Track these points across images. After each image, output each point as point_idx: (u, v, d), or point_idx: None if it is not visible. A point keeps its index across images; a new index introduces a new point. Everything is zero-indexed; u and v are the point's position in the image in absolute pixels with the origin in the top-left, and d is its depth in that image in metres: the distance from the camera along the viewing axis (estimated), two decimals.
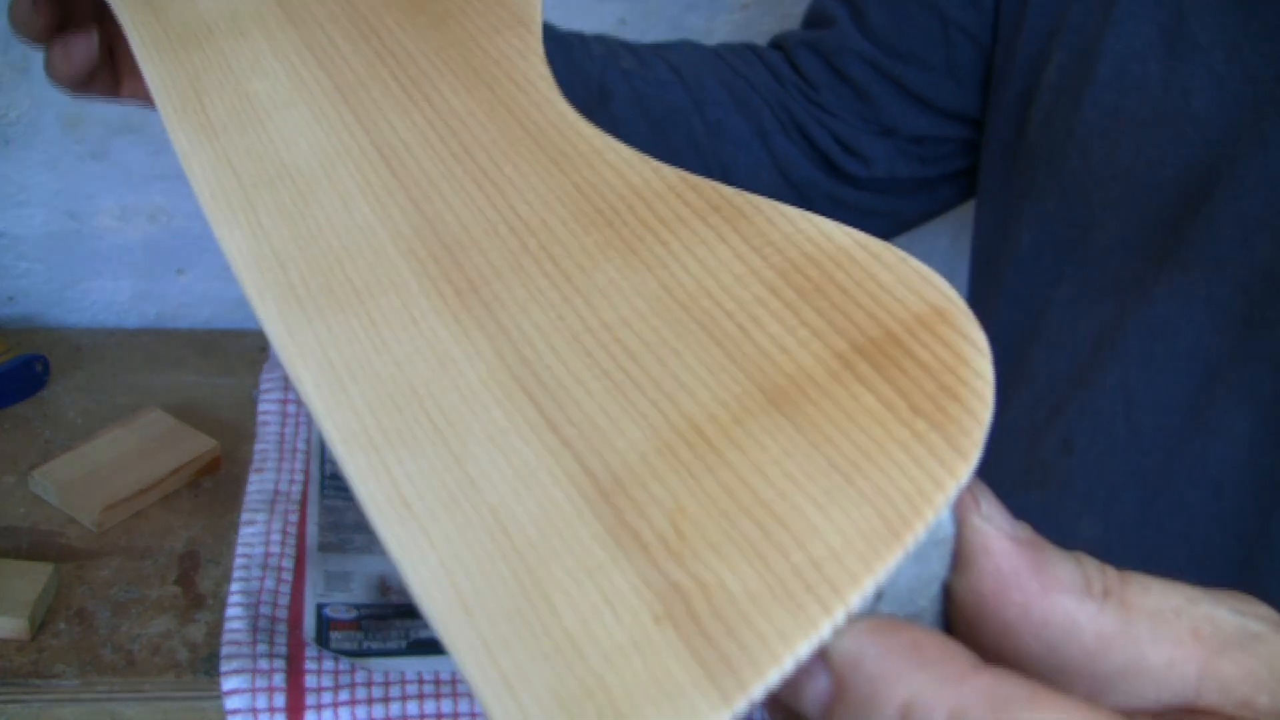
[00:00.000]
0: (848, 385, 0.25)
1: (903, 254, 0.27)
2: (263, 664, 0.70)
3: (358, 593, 0.77)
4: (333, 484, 0.85)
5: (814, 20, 0.69)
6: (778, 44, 0.70)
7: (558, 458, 0.26)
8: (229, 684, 0.69)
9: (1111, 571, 0.24)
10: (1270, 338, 0.47)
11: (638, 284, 0.29)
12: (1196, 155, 0.50)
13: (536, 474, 0.25)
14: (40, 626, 0.73)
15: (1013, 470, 0.55)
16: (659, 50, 0.69)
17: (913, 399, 0.25)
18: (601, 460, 0.25)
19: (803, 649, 0.21)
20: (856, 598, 0.22)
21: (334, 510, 0.83)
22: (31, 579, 0.73)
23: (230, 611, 0.74)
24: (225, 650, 0.71)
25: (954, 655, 0.21)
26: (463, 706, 0.71)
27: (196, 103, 0.40)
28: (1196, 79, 0.50)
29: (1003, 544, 0.23)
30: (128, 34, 0.43)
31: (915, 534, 0.22)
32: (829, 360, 0.26)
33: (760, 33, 0.96)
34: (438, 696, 0.71)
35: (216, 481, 0.86)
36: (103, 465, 0.83)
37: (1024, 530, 0.24)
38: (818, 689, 0.22)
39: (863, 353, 0.26)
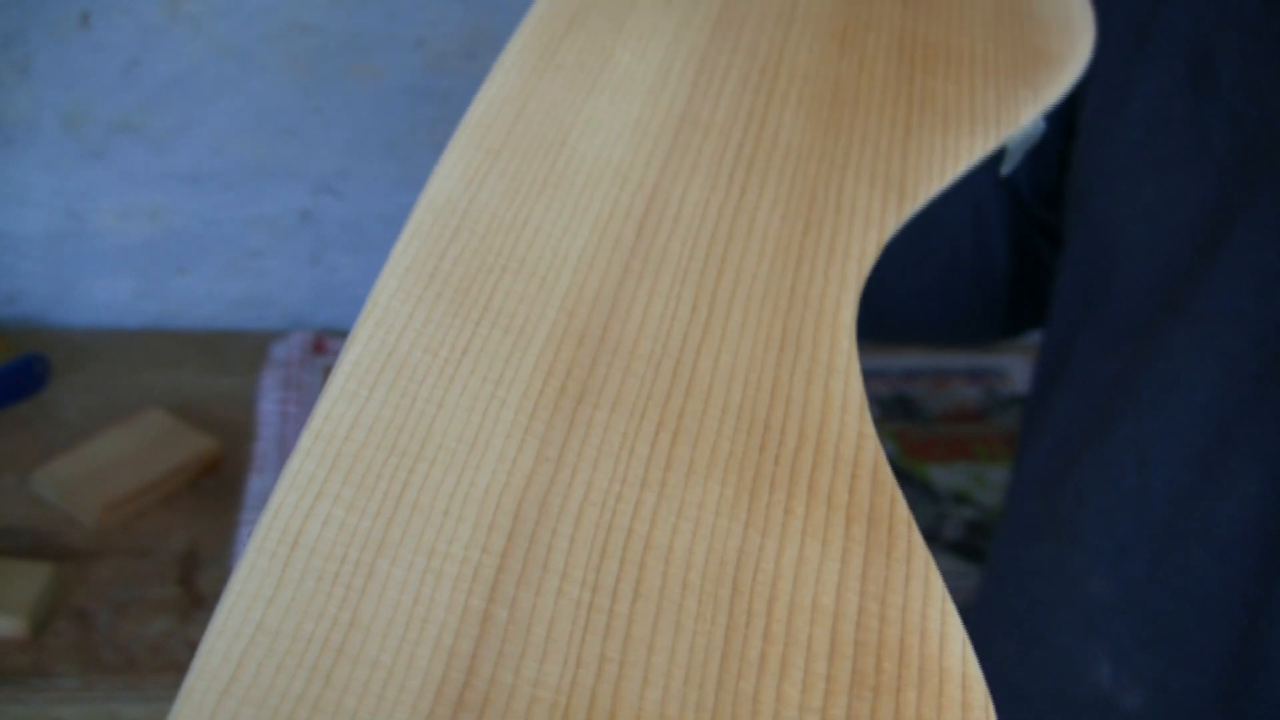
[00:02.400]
0: None
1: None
2: None
3: None
4: None
5: None
6: None
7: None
8: None
9: None
10: None
11: (714, 536, 0.26)
12: (1214, 197, 0.49)
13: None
14: (40, 626, 0.73)
15: (1028, 521, 0.54)
16: None
17: None
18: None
19: None
20: None
21: None
22: (31, 579, 0.73)
23: None
24: None
25: None
26: None
27: (563, 27, 0.37)
28: (1217, 118, 0.49)
29: None
30: None
31: None
32: None
33: None
34: None
35: (216, 481, 0.86)
36: (103, 465, 0.83)
37: None
38: None
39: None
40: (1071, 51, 0.42)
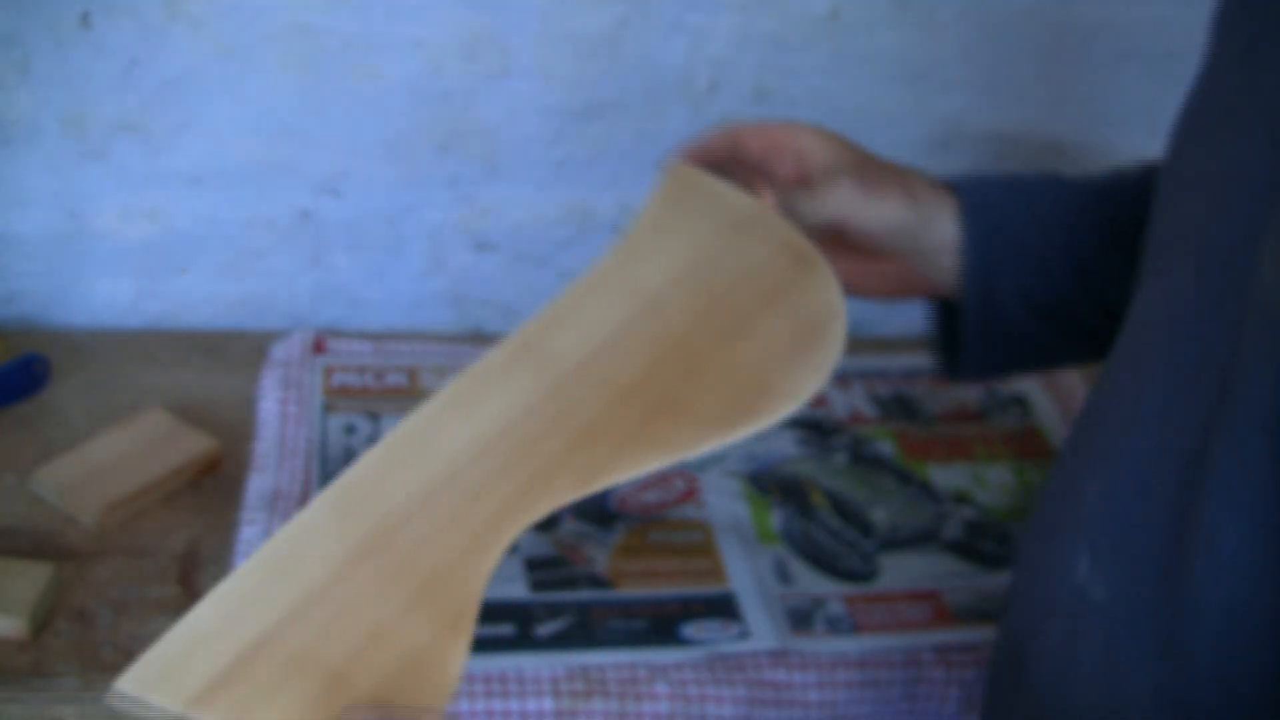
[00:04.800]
0: None
1: None
2: None
3: None
4: None
5: None
6: None
7: None
8: None
9: None
10: None
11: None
12: (1241, 217, 0.49)
13: None
14: (40, 626, 0.73)
15: (1068, 446, 0.59)
16: None
17: None
18: None
19: None
20: None
21: None
22: (31, 579, 0.73)
23: None
24: None
25: None
26: (463, 706, 0.71)
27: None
28: (1251, 148, 0.50)
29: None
30: None
31: None
32: None
33: (760, 33, 0.96)
34: None
35: (216, 481, 0.86)
36: (103, 465, 0.83)
37: None
38: None
39: None
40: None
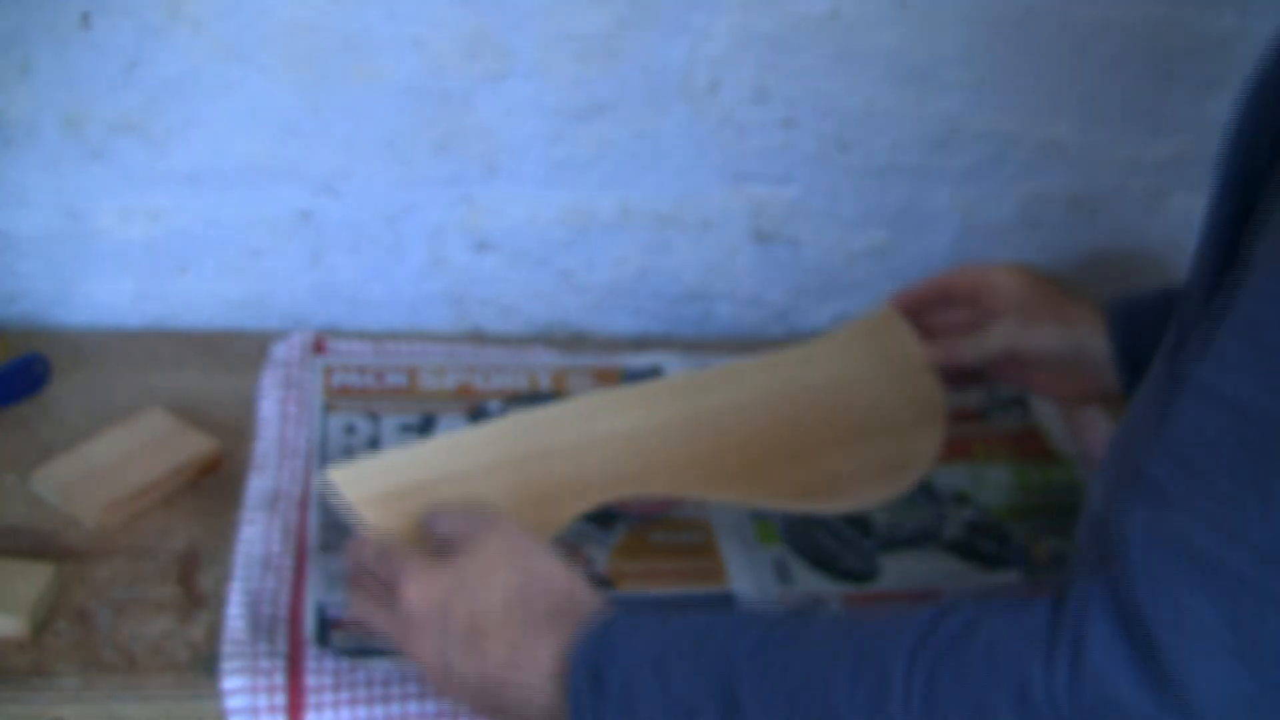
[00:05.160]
0: None
1: None
2: (263, 664, 0.70)
3: None
4: None
5: None
6: None
7: None
8: (229, 684, 0.69)
9: None
10: None
11: None
12: None
13: None
14: (40, 626, 0.73)
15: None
16: None
17: None
18: None
19: None
20: None
21: (335, 510, 0.83)
22: (31, 579, 0.73)
23: (230, 611, 0.74)
24: (225, 650, 0.71)
25: None
26: (463, 706, 0.71)
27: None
28: None
29: None
30: None
31: None
32: None
33: (760, 34, 0.96)
34: (438, 696, 0.71)
35: (216, 481, 0.86)
36: (103, 465, 0.83)
37: None
38: None
39: None
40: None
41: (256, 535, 0.79)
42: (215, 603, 0.76)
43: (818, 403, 0.84)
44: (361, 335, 1.03)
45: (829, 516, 0.87)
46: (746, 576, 0.82)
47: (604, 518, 0.86)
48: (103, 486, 0.81)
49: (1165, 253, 1.13)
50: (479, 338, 1.08)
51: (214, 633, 0.73)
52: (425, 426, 0.91)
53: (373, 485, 0.73)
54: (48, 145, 0.93)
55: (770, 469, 0.80)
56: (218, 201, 0.98)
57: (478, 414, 0.93)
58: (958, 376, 0.88)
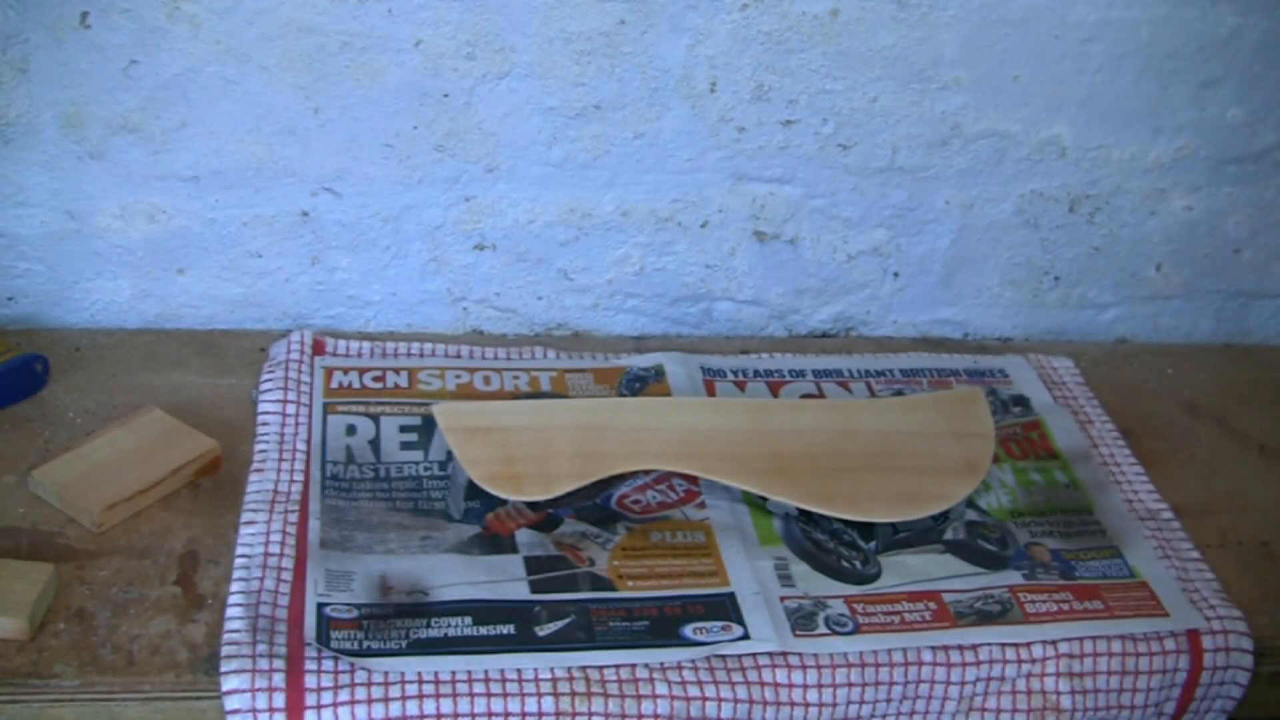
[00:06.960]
0: None
1: None
2: (263, 664, 0.70)
3: (358, 592, 0.77)
4: (333, 484, 0.85)
5: None
6: None
7: None
8: (229, 684, 0.69)
9: None
10: None
11: None
12: None
13: None
14: (40, 626, 0.73)
15: None
16: None
17: None
18: None
19: None
20: None
21: (335, 509, 0.83)
22: (31, 579, 0.73)
23: (230, 611, 0.74)
24: (225, 650, 0.71)
25: None
26: (462, 706, 0.71)
27: None
28: None
29: None
30: None
31: None
32: None
33: (760, 33, 0.96)
34: (438, 696, 0.71)
35: (216, 481, 0.86)
36: (103, 465, 0.83)
37: None
38: None
39: None
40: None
41: (256, 535, 0.79)
42: (215, 603, 0.76)
43: (869, 439, 0.91)
44: (361, 335, 1.03)
45: (830, 518, 0.87)
46: (747, 577, 0.82)
47: (604, 518, 0.86)
48: (102, 486, 0.81)
49: (1165, 253, 1.13)
50: (479, 338, 1.08)
51: (214, 633, 0.73)
52: (426, 427, 0.91)
53: (464, 420, 0.87)
54: (47, 145, 0.93)
55: (799, 475, 0.87)
56: (217, 201, 0.98)
57: None
58: None
